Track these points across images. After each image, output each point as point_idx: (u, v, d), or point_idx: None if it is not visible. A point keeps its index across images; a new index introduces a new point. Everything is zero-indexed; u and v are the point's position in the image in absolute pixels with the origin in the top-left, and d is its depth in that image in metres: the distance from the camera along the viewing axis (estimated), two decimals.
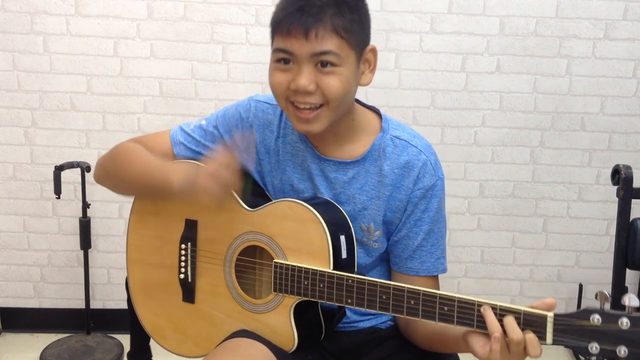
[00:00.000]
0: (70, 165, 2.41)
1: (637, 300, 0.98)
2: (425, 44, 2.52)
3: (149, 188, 1.32)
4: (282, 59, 1.17)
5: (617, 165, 1.85)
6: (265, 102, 1.36)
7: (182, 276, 1.36)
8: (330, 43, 1.14)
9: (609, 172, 1.96)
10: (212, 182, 1.18)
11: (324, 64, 1.15)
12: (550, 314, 1.01)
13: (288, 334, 1.24)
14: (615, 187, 1.86)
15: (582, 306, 1.06)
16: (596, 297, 1.00)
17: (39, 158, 2.57)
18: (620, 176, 1.83)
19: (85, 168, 2.43)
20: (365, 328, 1.38)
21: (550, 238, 2.71)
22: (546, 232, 2.71)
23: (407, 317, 1.12)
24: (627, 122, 2.60)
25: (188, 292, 1.37)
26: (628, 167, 1.83)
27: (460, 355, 1.36)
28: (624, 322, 0.97)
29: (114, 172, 1.40)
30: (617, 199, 1.84)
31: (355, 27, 1.17)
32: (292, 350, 1.24)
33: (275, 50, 1.18)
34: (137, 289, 1.46)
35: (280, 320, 1.25)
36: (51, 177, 2.39)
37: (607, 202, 2.65)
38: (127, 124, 2.55)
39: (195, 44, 2.50)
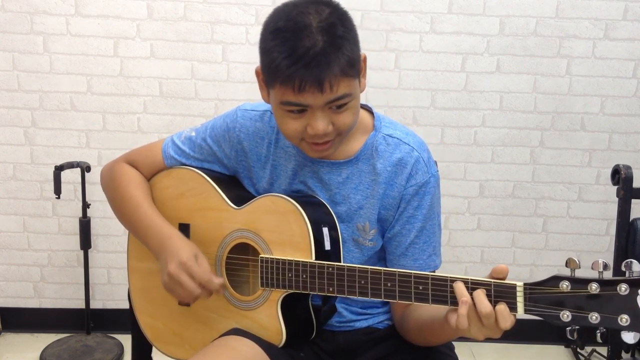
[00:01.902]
0: (70, 165, 2.41)
1: (609, 265, 0.96)
2: (425, 44, 2.52)
3: (141, 239, 1.38)
4: (296, 110, 1.16)
5: (617, 165, 1.85)
6: (253, 110, 1.36)
7: None
8: (342, 87, 1.14)
9: (609, 172, 1.96)
10: (193, 286, 1.23)
11: (340, 105, 1.16)
12: (519, 284, 1.01)
13: (276, 328, 1.25)
14: (615, 187, 1.86)
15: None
16: (566, 264, 0.99)
17: (39, 158, 2.57)
18: (620, 176, 1.83)
19: (85, 168, 2.43)
20: (362, 328, 1.38)
21: (550, 238, 2.71)
22: (546, 232, 2.71)
23: (385, 299, 1.14)
24: (627, 122, 2.60)
25: None
26: (628, 167, 1.83)
27: (460, 356, 1.37)
28: (594, 287, 0.95)
29: (112, 205, 1.47)
30: (617, 199, 1.84)
31: (354, 54, 1.16)
32: (281, 344, 1.25)
33: (286, 103, 1.15)
34: (137, 297, 1.48)
35: (268, 315, 1.26)
36: (51, 177, 2.39)
37: (607, 202, 2.65)
38: (127, 124, 2.55)
39: (195, 44, 2.50)
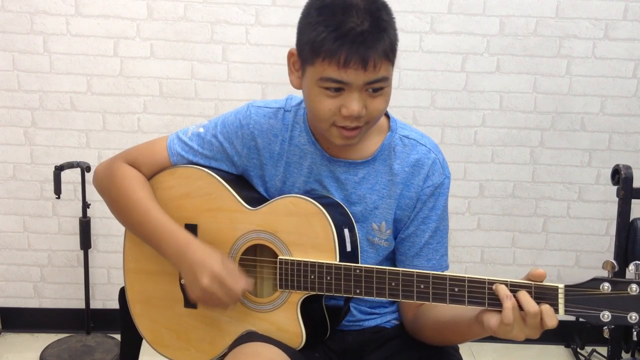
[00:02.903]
0: (70, 165, 2.41)
1: None
2: (425, 44, 2.52)
3: (153, 245, 1.32)
4: (334, 87, 1.16)
5: (617, 165, 1.85)
6: (265, 107, 1.35)
7: (183, 282, 1.34)
8: (383, 70, 1.16)
9: (609, 172, 1.96)
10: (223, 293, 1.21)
11: (376, 89, 1.18)
12: (561, 286, 1.04)
13: (295, 331, 1.24)
14: (615, 187, 1.86)
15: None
16: (603, 267, 1.04)
17: (39, 158, 2.57)
18: (620, 176, 1.83)
19: (85, 168, 2.43)
20: (370, 327, 1.38)
21: (550, 238, 2.71)
22: (546, 232, 2.71)
23: (417, 301, 1.14)
24: (627, 122, 2.60)
25: None
26: (628, 167, 1.83)
27: (462, 355, 1.37)
28: (633, 288, 1.01)
29: (113, 208, 1.39)
30: (617, 199, 1.84)
31: (395, 40, 1.20)
32: (300, 347, 1.25)
33: (326, 79, 1.15)
34: (136, 300, 1.43)
35: (287, 318, 1.25)
36: (51, 177, 2.39)
37: (607, 202, 2.65)
38: (127, 124, 2.55)
39: (195, 44, 2.50)
